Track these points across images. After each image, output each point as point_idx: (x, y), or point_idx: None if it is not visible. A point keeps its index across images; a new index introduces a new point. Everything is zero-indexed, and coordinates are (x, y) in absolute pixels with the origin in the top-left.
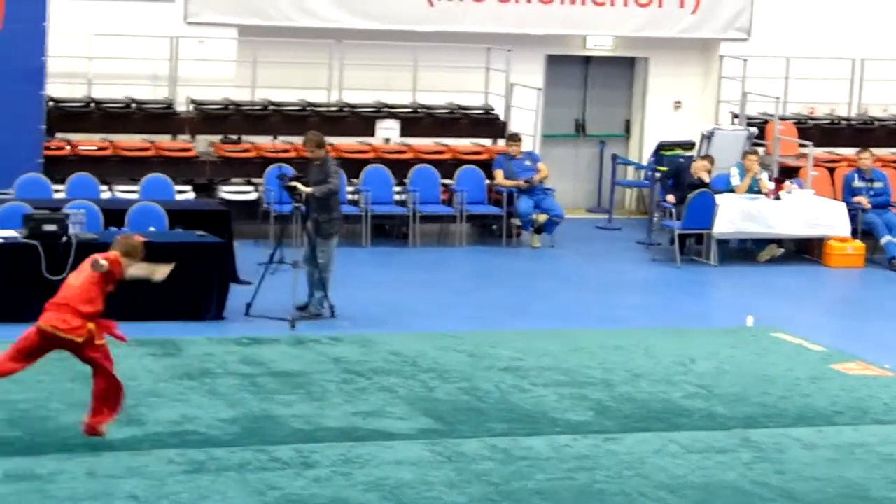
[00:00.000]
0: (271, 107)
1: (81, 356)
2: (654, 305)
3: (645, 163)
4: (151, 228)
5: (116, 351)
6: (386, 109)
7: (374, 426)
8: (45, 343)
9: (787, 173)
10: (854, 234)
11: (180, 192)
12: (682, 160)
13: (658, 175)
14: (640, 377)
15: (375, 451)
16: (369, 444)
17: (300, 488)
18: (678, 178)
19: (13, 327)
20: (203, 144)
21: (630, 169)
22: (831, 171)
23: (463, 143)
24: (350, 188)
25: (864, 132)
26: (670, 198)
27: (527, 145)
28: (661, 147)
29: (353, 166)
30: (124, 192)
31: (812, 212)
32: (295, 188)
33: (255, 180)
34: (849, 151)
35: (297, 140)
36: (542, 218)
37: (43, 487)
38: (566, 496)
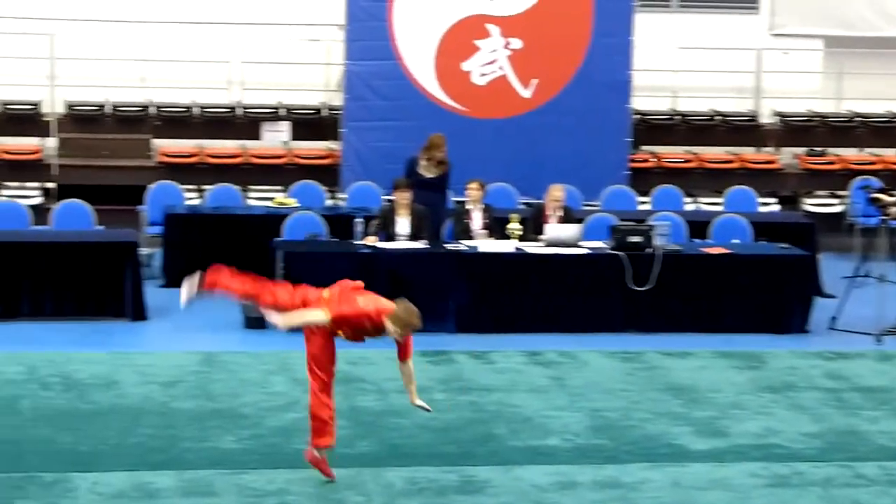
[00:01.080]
0: (857, 118)
1: None
2: None
3: None
4: (735, 241)
5: (699, 363)
6: None
7: None
8: None
9: None
10: None
11: (764, 204)
12: None
13: None
14: None
15: None
16: None
17: None
18: None
19: (599, 337)
20: (787, 157)
21: None
22: None
23: None
24: None
25: None
26: None
27: None
28: None
29: None
30: (708, 204)
31: None
32: (880, 200)
33: (839, 193)
34: None
35: (884, 152)
36: None
37: (627, 496)
38: None
